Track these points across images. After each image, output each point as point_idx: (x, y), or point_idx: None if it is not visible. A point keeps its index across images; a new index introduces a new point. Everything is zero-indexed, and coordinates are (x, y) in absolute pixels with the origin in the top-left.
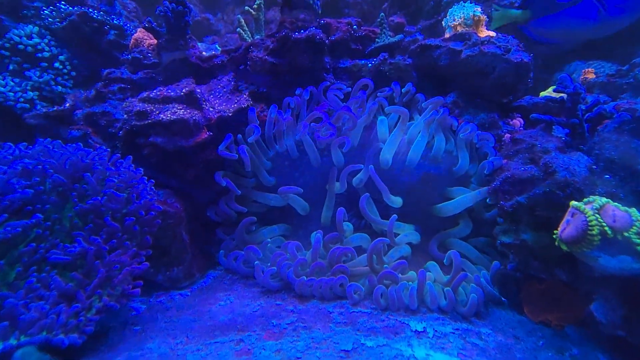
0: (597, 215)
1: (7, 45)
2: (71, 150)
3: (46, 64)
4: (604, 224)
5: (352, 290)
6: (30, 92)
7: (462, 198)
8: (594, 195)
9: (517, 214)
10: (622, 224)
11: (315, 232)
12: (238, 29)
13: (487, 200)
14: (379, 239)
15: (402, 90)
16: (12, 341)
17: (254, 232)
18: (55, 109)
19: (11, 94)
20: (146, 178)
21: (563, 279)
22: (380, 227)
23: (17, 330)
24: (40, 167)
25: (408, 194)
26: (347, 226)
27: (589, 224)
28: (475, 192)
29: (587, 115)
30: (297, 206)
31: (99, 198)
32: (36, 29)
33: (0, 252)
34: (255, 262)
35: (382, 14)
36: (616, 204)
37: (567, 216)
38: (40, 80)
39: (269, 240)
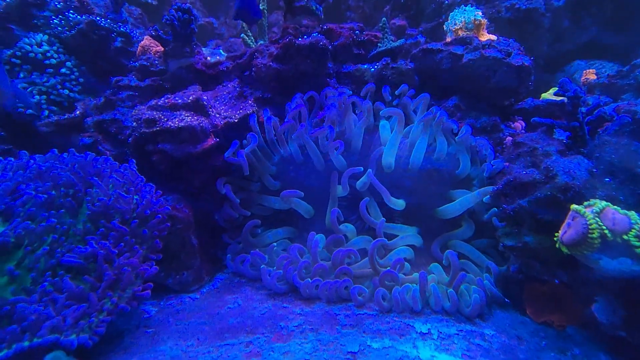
0: (597, 219)
1: (19, 53)
2: (82, 157)
3: (52, 70)
4: (604, 227)
5: (356, 293)
6: (37, 96)
7: (463, 199)
8: (595, 198)
9: (520, 217)
10: (621, 227)
11: (312, 234)
12: (242, 35)
13: (484, 199)
14: (377, 239)
15: (396, 92)
16: (25, 343)
17: (259, 235)
18: (66, 116)
19: None
20: (145, 181)
21: (565, 280)
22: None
23: (27, 333)
24: (55, 171)
25: (411, 196)
26: (347, 227)
27: (589, 227)
28: (475, 193)
29: (587, 118)
30: (301, 210)
31: (107, 199)
32: (46, 37)
33: (15, 257)
34: (262, 266)
35: (384, 18)
36: (616, 207)
37: (567, 219)
38: (47, 84)
39: (275, 244)
